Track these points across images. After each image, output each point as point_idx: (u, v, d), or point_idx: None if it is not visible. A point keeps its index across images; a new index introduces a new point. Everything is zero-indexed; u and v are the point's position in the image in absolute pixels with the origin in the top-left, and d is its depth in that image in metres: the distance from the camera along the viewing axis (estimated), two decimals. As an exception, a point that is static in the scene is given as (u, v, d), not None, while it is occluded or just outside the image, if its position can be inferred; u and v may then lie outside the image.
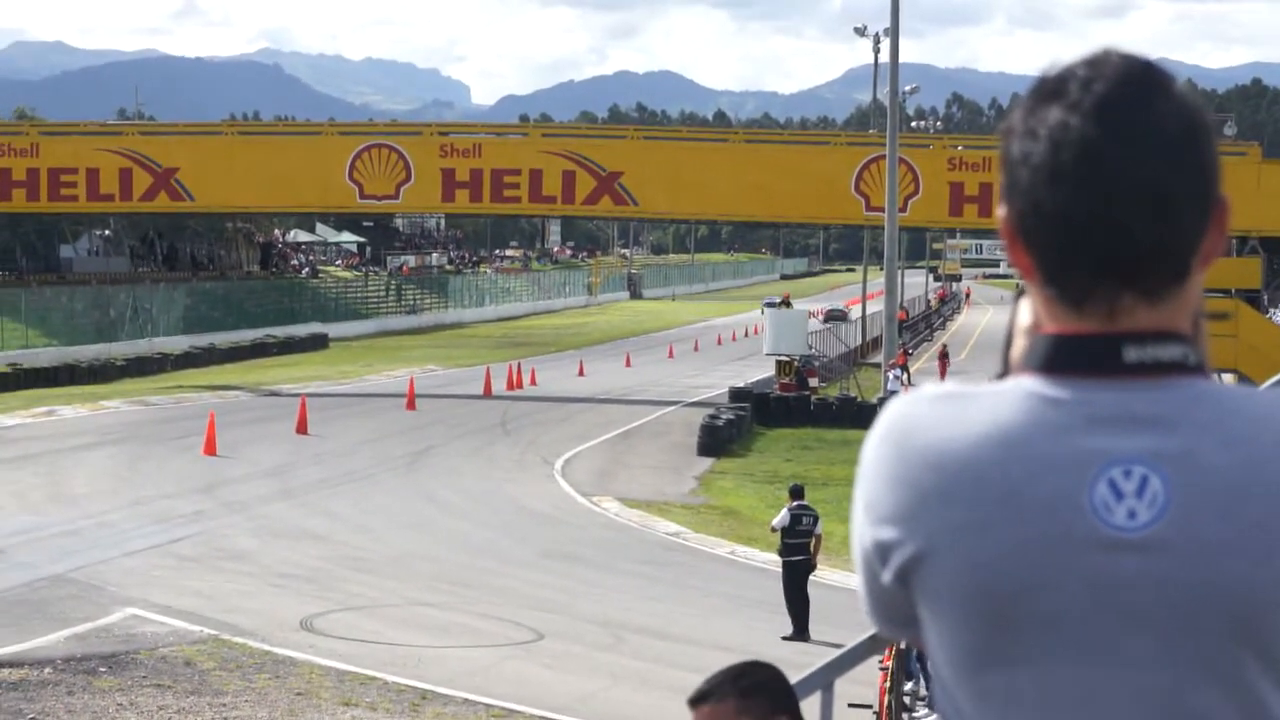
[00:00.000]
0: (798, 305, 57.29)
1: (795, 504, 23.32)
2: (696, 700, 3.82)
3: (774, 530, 23.40)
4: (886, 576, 2.02)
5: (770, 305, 59.11)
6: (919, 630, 2.04)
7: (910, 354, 60.22)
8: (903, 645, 17.29)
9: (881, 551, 2.02)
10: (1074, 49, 2.02)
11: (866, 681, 16.72)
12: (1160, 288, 1.92)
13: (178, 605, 21.85)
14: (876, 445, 2.04)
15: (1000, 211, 1.99)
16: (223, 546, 26.56)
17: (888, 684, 17.14)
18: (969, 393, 2.01)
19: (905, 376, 52.22)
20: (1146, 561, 1.88)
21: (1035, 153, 1.93)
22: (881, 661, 17.01)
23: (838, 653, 3.84)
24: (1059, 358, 1.96)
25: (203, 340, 69.09)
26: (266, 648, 19.87)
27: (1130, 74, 1.93)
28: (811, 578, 22.83)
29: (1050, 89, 1.95)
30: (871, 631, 4.82)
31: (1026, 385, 1.97)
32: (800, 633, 22.12)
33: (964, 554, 1.94)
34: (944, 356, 66.06)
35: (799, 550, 22.70)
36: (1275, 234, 50.29)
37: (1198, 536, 1.87)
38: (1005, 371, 2.12)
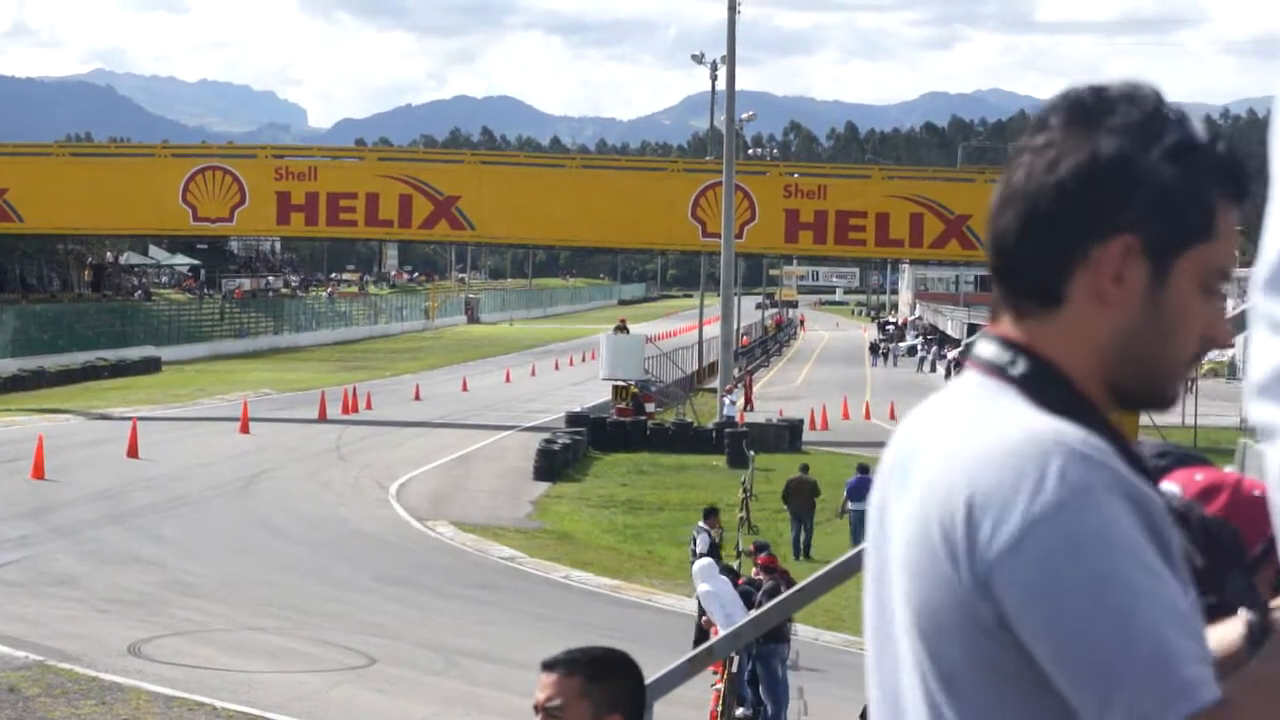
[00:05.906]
0: (635, 329, 57.45)
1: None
2: (548, 665, 3.83)
3: None
4: None
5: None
6: None
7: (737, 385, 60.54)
8: (734, 669, 17.41)
9: None
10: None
11: (697, 705, 16.79)
12: (1020, 302, 2.01)
13: (1, 630, 21.47)
14: None
15: None
16: (49, 571, 26.14)
17: (719, 707, 17.21)
18: None
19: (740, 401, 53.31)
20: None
21: None
22: (714, 682, 17.09)
23: (657, 674, 3.87)
24: None
25: (32, 363, 67.78)
26: (93, 674, 19.55)
27: (1077, 103, 1.99)
28: (647, 600, 23.03)
29: None
30: (689, 654, 4.87)
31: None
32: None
33: None
34: (749, 385, 67.46)
35: None
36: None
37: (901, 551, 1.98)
38: None
